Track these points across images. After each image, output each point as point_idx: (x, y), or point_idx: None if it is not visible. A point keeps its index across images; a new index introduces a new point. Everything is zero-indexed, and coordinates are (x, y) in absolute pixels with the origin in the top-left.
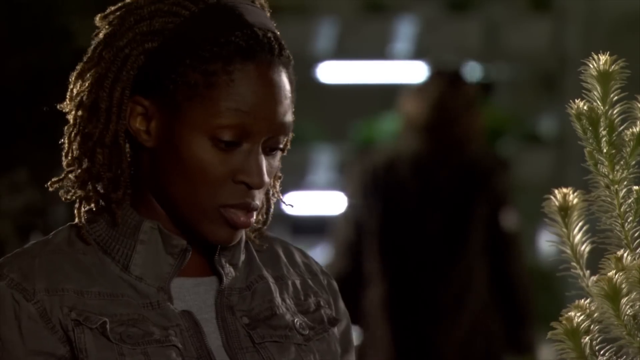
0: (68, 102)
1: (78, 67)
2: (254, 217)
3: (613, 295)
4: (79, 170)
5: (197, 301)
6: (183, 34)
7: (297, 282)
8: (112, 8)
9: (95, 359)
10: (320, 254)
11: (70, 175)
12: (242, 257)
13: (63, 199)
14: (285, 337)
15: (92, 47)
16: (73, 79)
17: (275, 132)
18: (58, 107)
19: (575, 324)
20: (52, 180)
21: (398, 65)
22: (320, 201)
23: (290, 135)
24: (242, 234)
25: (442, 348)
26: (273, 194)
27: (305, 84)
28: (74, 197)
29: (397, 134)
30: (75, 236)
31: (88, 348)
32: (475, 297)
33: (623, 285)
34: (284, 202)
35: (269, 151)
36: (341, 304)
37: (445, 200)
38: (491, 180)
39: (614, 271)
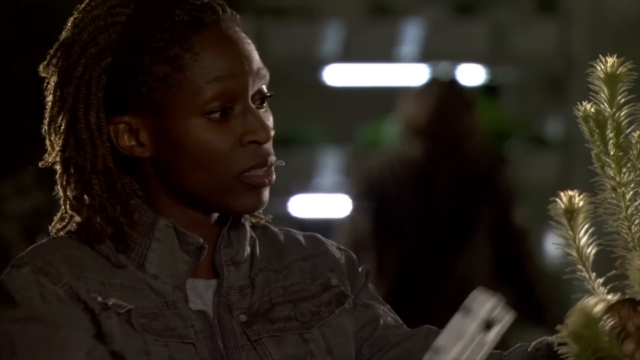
0: (49, 153)
1: (46, 118)
2: (273, 173)
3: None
4: (83, 209)
5: (207, 304)
6: (129, 38)
7: (304, 266)
8: (51, 52)
9: (121, 345)
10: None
11: (74, 219)
12: (246, 254)
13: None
14: (284, 330)
15: (49, 94)
16: (46, 130)
17: (258, 82)
18: (40, 165)
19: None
20: (55, 225)
21: (404, 67)
22: (327, 204)
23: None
24: (266, 201)
25: None
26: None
27: (312, 86)
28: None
29: (396, 138)
30: (89, 244)
31: (114, 333)
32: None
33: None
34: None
35: (260, 104)
36: (359, 271)
37: (447, 204)
38: (494, 179)
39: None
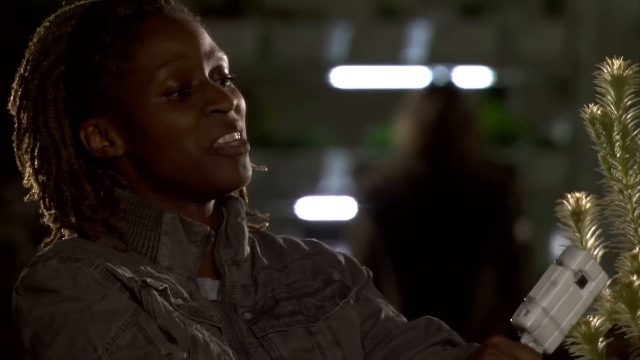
0: (25, 175)
1: (14, 142)
2: (246, 144)
3: (631, 301)
4: (66, 220)
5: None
6: (78, 43)
7: (306, 264)
8: (13, 86)
9: (164, 320)
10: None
11: (60, 232)
12: (247, 254)
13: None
14: (290, 324)
15: (14, 120)
16: (16, 154)
17: (212, 59)
18: (25, 199)
19: (592, 328)
20: (45, 242)
21: (411, 70)
22: (334, 206)
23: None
24: (250, 174)
25: None
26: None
27: (319, 89)
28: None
29: (395, 153)
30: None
31: (156, 310)
32: (484, 312)
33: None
34: None
35: (222, 83)
36: (360, 269)
37: (452, 221)
38: (501, 194)
39: (632, 275)
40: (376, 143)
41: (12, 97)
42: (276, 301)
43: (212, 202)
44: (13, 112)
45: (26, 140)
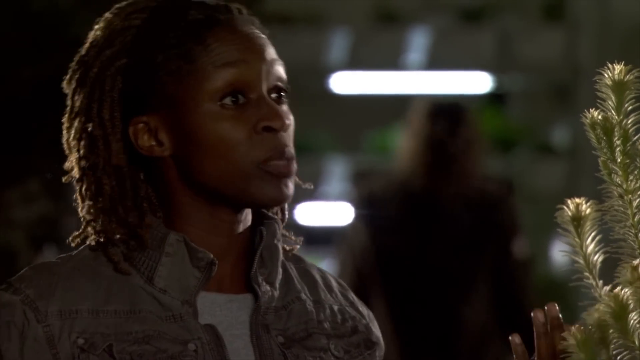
0: (68, 159)
1: (64, 124)
2: (294, 165)
3: (620, 312)
4: (96, 212)
5: (229, 317)
6: (144, 39)
7: (335, 307)
8: (72, 65)
9: None
10: (333, 264)
11: (90, 227)
12: (279, 276)
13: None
14: (322, 358)
15: (68, 102)
16: (64, 136)
17: (272, 76)
18: (63, 179)
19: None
20: (74, 235)
21: (411, 75)
22: (333, 212)
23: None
24: (290, 195)
25: None
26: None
27: (318, 94)
28: (101, 239)
29: (393, 165)
30: (102, 249)
31: None
32: (476, 331)
33: (630, 302)
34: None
35: (278, 101)
36: (377, 333)
37: (447, 237)
38: (497, 212)
39: (620, 287)
40: (376, 148)
41: (68, 77)
42: (309, 334)
43: (247, 213)
44: (67, 92)
45: (76, 124)
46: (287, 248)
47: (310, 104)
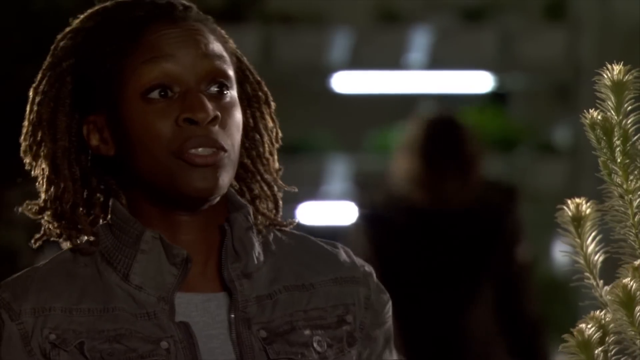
0: (27, 165)
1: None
2: (221, 156)
3: (627, 301)
4: (43, 212)
5: (205, 317)
6: (91, 38)
7: (330, 290)
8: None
9: None
10: None
11: (48, 225)
12: (259, 262)
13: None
14: (302, 355)
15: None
16: (23, 146)
17: (204, 68)
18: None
19: (587, 336)
20: (35, 237)
21: (413, 75)
22: (335, 211)
23: (231, 79)
24: (223, 184)
25: None
26: (273, 180)
27: (320, 93)
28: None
29: (398, 182)
30: (80, 251)
31: None
32: (481, 338)
33: (638, 293)
34: (278, 184)
35: (219, 92)
36: (383, 311)
37: (450, 245)
38: (501, 220)
39: (628, 278)
40: (377, 148)
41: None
42: (292, 327)
43: (207, 211)
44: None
45: (28, 129)
46: (285, 223)
47: (311, 103)
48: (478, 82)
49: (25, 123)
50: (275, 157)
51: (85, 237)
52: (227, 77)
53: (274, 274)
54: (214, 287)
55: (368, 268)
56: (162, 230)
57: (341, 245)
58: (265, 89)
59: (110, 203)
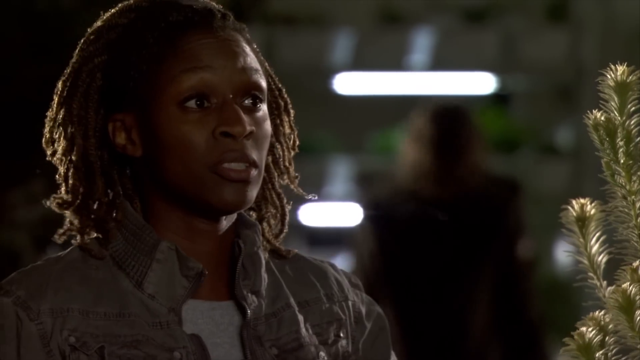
0: (49, 157)
1: (47, 116)
2: (253, 172)
3: (627, 306)
4: (71, 207)
5: (210, 325)
6: (126, 38)
7: (322, 307)
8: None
9: None
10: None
11: (72, 220)
12: (265, 282)
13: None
14: None
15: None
16: (45, 137)
17: (241, 82)
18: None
19: (588, 340)
20: (59, 232)
21: (415, 76)
22: (337, 212)
23: (265, 92)
24: (251, 199)
25: None
26: (287, 201)
27: (322, 95)
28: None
29: (397, 168)
30: (90, 252)
31: None
32: (481, 333)
33: (637, 297)
34: (299, 191)
35: (252, 105)
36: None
37: (452, 239)
38: (503, 214)
39: (628, 283)
40: (380, 149)
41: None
42: (300, 344)
43: (225, 222)
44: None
45: (51, 118)
46: (284, 250)
47: (314, 104)
48: (480, 83)
49: (52, 116)
50: (293, 165)
51: (94, 234)
52: (262, 90)
53: (275, 292)
54: (218, 296)
55: (355, 280)
56: (178, 237)
57: (328, 262)
58: (286, 96)
59: (119, 203)
